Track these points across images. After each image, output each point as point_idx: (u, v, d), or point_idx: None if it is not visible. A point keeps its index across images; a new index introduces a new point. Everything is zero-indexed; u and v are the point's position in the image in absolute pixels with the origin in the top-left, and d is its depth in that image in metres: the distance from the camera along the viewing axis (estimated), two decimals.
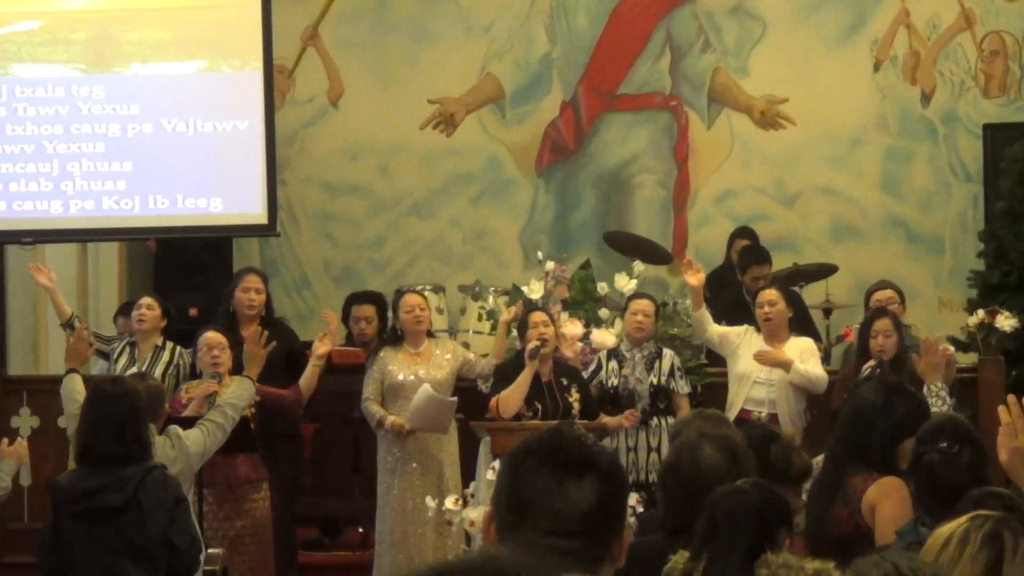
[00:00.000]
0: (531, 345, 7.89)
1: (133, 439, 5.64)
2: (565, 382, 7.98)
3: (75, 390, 7.00)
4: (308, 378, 8.10)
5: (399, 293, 8.73)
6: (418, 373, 8.21)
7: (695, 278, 8.27)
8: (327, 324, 8.59)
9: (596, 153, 12.19)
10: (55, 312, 8.83)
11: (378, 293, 9.66)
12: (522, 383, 7.82)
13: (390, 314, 8.79)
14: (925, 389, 6.88)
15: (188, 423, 6.68)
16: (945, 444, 4.88)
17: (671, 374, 8.28)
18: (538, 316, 8.08)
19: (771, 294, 8.41)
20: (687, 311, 8.96)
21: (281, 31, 10.62)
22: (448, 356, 8.33)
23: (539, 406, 7.85)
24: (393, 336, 8.44)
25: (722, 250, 10.97)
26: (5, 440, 6.96)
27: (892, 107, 12.00)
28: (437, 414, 8.03)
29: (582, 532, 2.45)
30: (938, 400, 6.77)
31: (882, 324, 8.05)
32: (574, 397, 7.95)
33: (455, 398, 8.12)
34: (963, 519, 3.10)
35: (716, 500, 3.97)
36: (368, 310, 9.28)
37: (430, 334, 8.46)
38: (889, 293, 8.78)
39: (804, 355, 8.22)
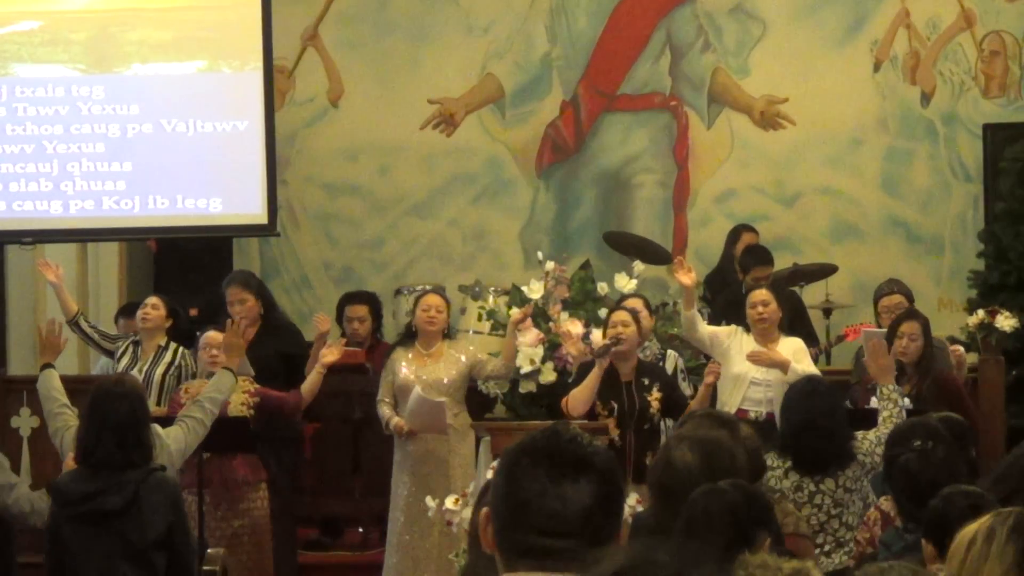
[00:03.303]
0: (602, 343, 7.87)
1: (134, 444, 5.61)
2: (647, 382, 7.88)
3: (53, 387, 6.65)
4: (311, 385, 8.05)
5: (399, 293, 8.70)
6: (422, 374, 8.18)
7: (687, 277, 8.24)
8: (324, 325, 8.57)
9: (596, 153, 12.17)
10: (61, 309, 8.78)
11: (371, 293, 9.65)
12: (591, 382, 7.77)
13: (399, 312, 8.72)
14: (877, 392, 6.81)
15: (167, 421, 6.62)
16: (919, 443, 4.90)
17: (674, 376, 8.25)
18: (618, 315, 8.04)
19: (763, 294, 8.34)
20: None
21: (281, 31, 10.62)
22: (460, 357, 8.25)
23: (615, 405, 7.79)
24: (407, 334, 8.41)
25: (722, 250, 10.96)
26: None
27: (892, 107, 11.98)
28: (428, 415, 8.01)
29: (579, 533, 2.45)
30: (889, 403, 6.68)
31: (910, 327, 7.90)
32: (654, 396, 7.84)
33: (443, 399, 8.06)
34: (985, 518, 3.11)
35: (693, 500, 3.96)
36: (361, 310, 9.27)
37: (448, 335, 8.38)
38: (897, 299, 8.65)
39: (797, 355, 8.18)
